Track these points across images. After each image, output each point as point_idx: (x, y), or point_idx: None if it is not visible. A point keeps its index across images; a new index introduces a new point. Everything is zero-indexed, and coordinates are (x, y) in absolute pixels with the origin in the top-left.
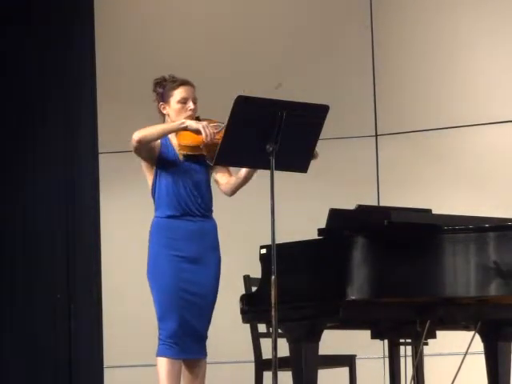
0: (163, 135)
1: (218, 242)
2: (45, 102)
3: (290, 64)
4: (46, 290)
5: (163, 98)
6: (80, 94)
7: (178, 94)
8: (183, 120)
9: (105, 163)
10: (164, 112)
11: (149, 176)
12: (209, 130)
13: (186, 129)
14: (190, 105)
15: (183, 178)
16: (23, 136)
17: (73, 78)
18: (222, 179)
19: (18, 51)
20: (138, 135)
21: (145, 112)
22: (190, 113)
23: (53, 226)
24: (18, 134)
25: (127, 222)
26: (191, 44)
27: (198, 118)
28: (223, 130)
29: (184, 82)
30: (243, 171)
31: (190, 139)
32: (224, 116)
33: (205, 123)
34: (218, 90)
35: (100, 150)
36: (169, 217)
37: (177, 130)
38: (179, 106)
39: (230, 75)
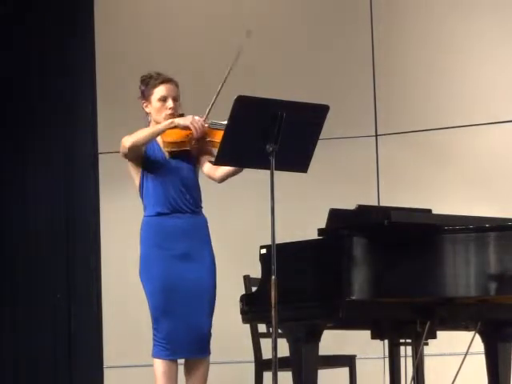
0: (154, 138)
1: (209, 238)
2: (45, 102)
3: (289, 64)
4: (45, 289)
5: (144, 95)
6: (80, 94)
7: (158, 92)
8: (171, 120)
9: (105, 163)
10: (147, 110)
11: (135, 176)
12: (197, 124)
13: (175, 127)
14: (169, 103)
15: (170, 176)
16: (23, 136)
17: (73, 78)
18: (210, 167)
19: (17, 51)
20: (128, 142)
21: (145, 112)
22: (169, 111)
23: (53, 226)
24: (18, 134)
25: (127, 221)
26: (192, 44)
27: (181, 116)
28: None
29: (165, 80)
30: None
31: (174, 136)
32: (225, 116)
33: (191, 117)
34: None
35: (100, 150)
36: (158, 214)
37: (165, 130)
38: (159, 104)
39: (230, 76)
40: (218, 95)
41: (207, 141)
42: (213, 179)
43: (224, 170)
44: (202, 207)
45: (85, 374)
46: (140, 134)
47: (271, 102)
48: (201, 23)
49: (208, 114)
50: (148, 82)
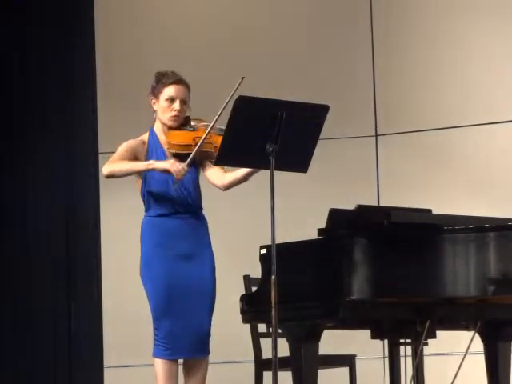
0: (129, 174)
1: (209, 239)
2: (45, 102)
3: (290, 64)
4: (45, 289)
5: (154, 92)
6: (80, 94)
7: (167, 92)
8: (151, 162)
9: (105, 163)
10: (154, 107)
11: (137, 177)
12: (177, 168)
13: (153, 170)
14: (176, 105)
15: (172, 177)
16: (23, 136)
17: (73, 78)
18: (215, 175)
19: (18, 51)
20: (106, 170)
21: (145, 112)
22: (174, 113)
23: (53, 226)
24: (18, 134)
25: (127, 221)
26: (192, 44)
27: (188, 119)
28: (213, 131)
29: (177, 81)
30: (243, 170)
31: (179, 138)
32: (224, 117)
33: (172, 161)
34: (217, 91)
35: (100, 150)
36: (159, 215)
37: (143, 171)
38: (166, 104)
39: (230, 76)
40: (218, 117)
41: (214, 146)
42: (217, 187)
43: (230, 179)
44: (202, 208)
45: (85, 374)
46: (119, 167)
47: (271, 102)
48: (201, 24)
49: (210, 130)
50: (160, 80)
